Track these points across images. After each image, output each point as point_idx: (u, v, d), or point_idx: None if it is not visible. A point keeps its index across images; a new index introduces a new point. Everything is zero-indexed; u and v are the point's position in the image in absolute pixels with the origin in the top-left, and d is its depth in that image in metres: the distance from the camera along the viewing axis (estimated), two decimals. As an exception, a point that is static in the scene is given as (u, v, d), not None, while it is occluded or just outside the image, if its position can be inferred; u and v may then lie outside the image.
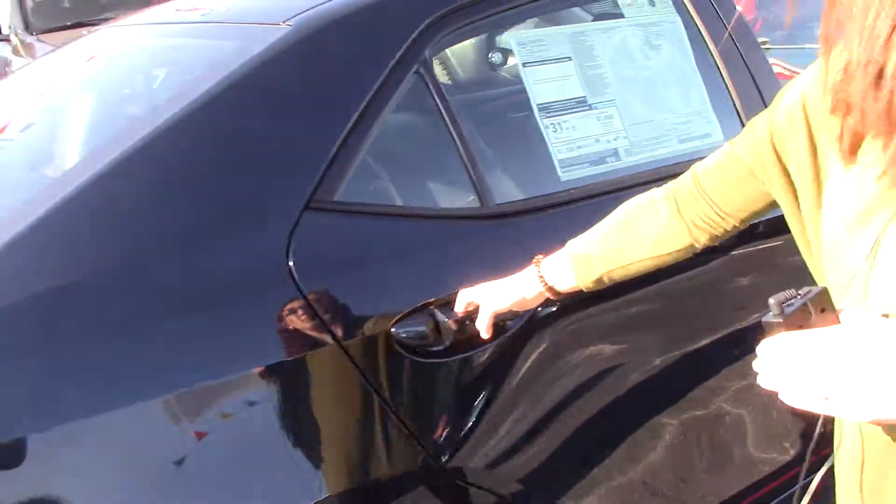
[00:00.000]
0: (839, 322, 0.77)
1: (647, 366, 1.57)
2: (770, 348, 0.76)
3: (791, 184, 0.96)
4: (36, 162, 1.65)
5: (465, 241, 1.43)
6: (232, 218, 1.28)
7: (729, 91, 1.75)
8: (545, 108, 1.59)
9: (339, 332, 1.26)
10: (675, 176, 1.55)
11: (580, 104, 1.63)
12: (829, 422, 0.81)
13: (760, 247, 1.67)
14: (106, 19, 4.22)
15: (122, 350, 1.15)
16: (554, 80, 1.62)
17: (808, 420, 0.86)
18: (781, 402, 0.76)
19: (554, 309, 1.42)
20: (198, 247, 1.24)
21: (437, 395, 1.38)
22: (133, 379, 1.14)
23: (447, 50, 1.77)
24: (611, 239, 1.20)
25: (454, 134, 1.47)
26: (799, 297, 0.77)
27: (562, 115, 1.60)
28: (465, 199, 1.49)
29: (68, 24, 4.82)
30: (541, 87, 1.60)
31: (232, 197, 1.29)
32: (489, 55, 2.33)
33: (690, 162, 1.63)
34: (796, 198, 0.96)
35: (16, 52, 4.87)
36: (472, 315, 1.32)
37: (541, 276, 1.25)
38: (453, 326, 1.34)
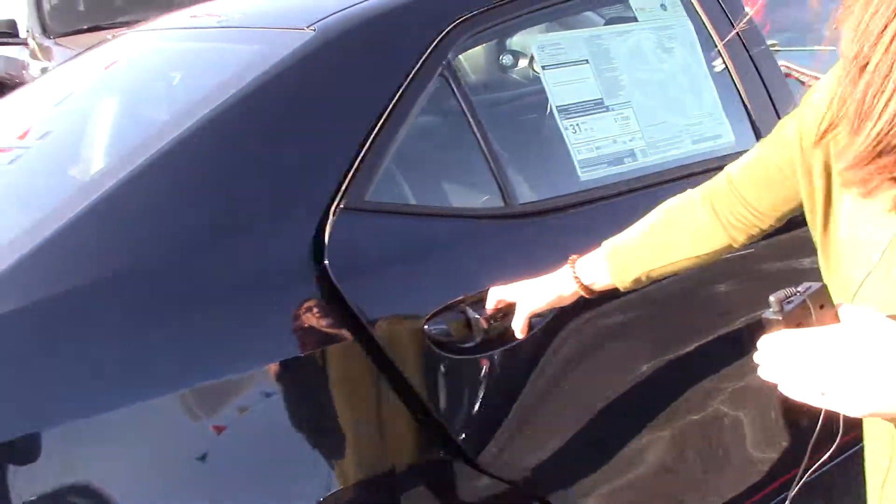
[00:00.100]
0: (837, 318, 0.79)
1: (675, 363, 1.58)
2: (770, 343, 0.78)
3: (812, 183, 0.97)
4: (62, 165, 1.67)
5: (490, 239, 1.45)
6: (267, 219, 1.30)
7: (739, 92, 1.77)
8: (564, 110, 1.62)
9: (374, 329, 1.28)
10: (689, 176, 1.58)
11: (598, 106, 1.65)
12: (829, 420, 0.83)
13: (772, 247, 1.68)
14: (123, 23, 4.26)
15: (160, 342, 1.18)
16: (572, 83, 1.64)
17: (809, 421, 0.87)
18: (784, 402, 0.78)
19: (581, 307, 1.43)
20: (235, 247, 1.27)
21: (468, 391, 1.40)
22: (172, 369, 1.17)
23: (470, 52, 1.80)
24: (649, 239, 1.21)
25: (478, 135, 1.49)
26: (798, 294, 0.79)
27: (581, 116, 1.63)
28: (489, 199, 1.51)
29: (85, 27, 4.87)
30: (560, 89, 1.63)
31: (267, 199, 1.32)
32: (500, 57, 2.35)
33: (703, 162, 1.67)
34: (816, 197, 0.97)
35: (33, 55, 4.90)
36: (502, 312, 1.34)
37: (576, 277, 1.26)
38: (484, 324, 1.36)
